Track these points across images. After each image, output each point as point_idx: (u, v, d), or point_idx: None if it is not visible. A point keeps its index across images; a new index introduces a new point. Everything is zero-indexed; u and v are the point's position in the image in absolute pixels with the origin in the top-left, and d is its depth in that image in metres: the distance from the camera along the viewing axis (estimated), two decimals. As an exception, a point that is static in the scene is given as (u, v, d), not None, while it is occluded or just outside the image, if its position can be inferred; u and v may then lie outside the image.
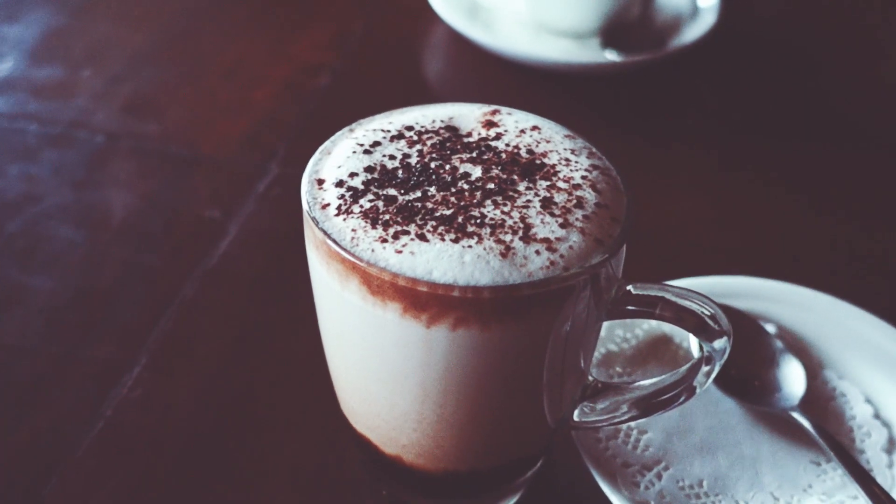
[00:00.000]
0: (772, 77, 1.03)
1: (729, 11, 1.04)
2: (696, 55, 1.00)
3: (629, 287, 0.49)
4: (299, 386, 0.63)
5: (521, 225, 0.46)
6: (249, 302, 0.71)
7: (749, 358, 0.64)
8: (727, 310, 0.66)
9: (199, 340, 0.68)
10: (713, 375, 0.50)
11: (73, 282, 0.72)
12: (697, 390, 0.50)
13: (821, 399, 0.63)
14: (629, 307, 0.49)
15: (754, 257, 0.78)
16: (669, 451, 0.59)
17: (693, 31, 1.00)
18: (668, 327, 0.66)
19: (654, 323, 0.67)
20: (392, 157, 0.50)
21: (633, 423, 0.60)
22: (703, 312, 0.48)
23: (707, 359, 0.50)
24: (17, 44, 0.98)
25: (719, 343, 0.49)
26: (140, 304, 0.70)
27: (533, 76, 0.97)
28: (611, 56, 0.96)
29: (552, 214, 0.47)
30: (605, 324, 0.65)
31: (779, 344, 0.65)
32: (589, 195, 0.48)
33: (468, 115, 0.54)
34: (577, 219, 0.47)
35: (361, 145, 0.51)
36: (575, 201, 0.48)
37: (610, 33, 1.00)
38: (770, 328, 0.66)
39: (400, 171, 0.49)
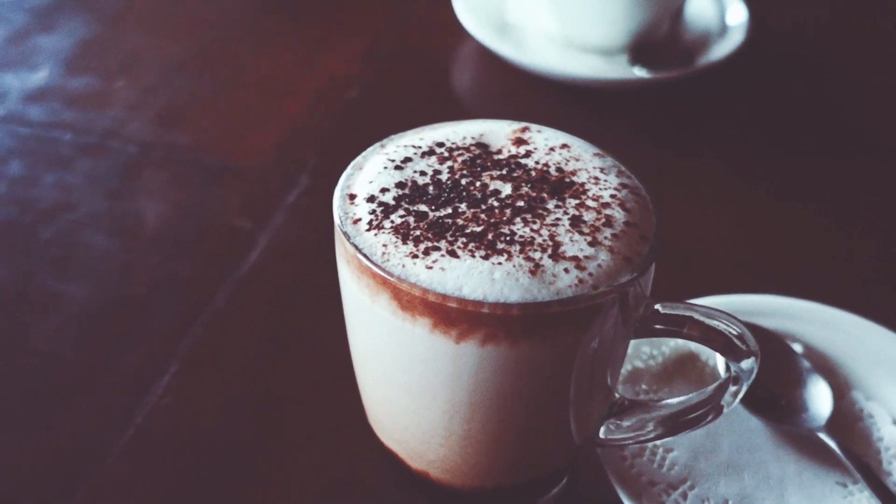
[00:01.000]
0: (801, 93, 1.02)
1: (758, 28, 1.04)
2: (724, 71, 1.00)
3: (657, 306, 0.49)
4: (328, 397, 0.64)
5: (551, 243, 0.46)
6: (278, 312, 0.72)
7: (776, 377, 0.64)
8: (754, 328, 0.66)
9: (229, 349, 0.68)
10: (740, 395, 0.50)
11: (106, 290, 0.73)
12: (724, 410, 0.51)
13: (848, 420, 0.63)
14: (657, 326, 0.49)
15: (781, 274, 0.78)
16: (695, 470, 0.59)
17: (722, 48, 1.00)
18: (694, 345, 0.66)
19: (680, 340, 0.67)
20: (423, 174, 0.51)
21: (658, 442, 0.61)
22: (730, 332, 0.48)
23: (734, 379, 0.50)
24: (52, 54, 1.00)
25: (747, 363, 0.49)
26: (171, 312, 0.71)
27: (562, 92, 0.98)
28: (639, 72, 0.96)
29: (581, 233, 0.47)
30: (632, 341, 0.66)
31: (806, 363, 0.65)
32: (618, 214, 0.49)
33: (498, 132, 0.55)
34: (605, 237, 0.47)
35: (392, 161, 0.52)
36: (604, 220, 0.48)
37: (638, 50, 1.00)
38: (797, 347, 0.66)
39: (431, 188, 0.50)
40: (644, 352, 0.66)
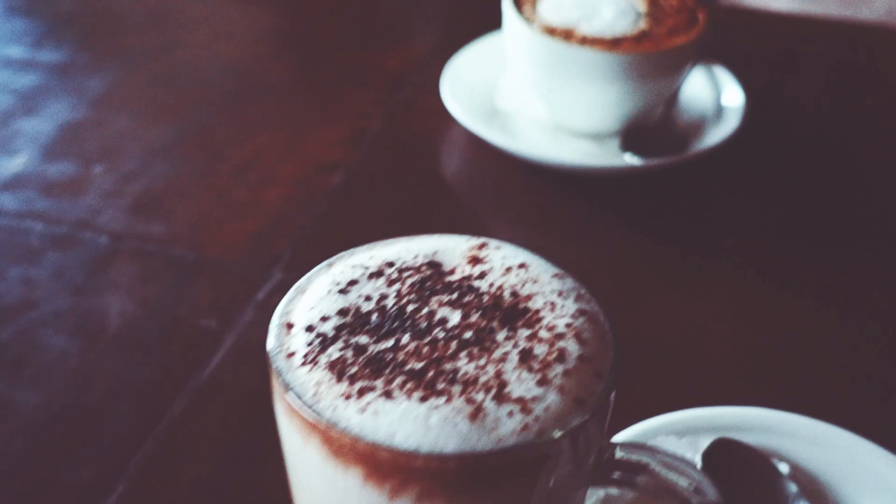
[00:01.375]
0: (799, 181, 0.99)
1: (754, 112, 1.01)
2: (719, 157, 0.97)
3: (616, 449, 0.45)
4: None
5: (496, 382, 0.43)
6: (237, 421, 0.68)
7: (756, 499, 0.60)
8: (735, 445, 0.62)
9: (182, 465, 0.65)
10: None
11: (60, 396, 0.70)
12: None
13: (838, 552, 0.59)
14: (615, 474, 0.45)
15: (770, 383, 0.74)
16: None
17: (717, 134, 0.97)
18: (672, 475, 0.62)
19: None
20: (368, 298, 0.48)
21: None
22: (687, 487, 0.44)
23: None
24: (32, 138, 0.98)
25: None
26: (125, 423, 0.68)
27: (551, 177, 0.95)
28: (630, 159, 0.93)
29: (530, 370, 0.44)
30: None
31: (792, 487, 0.60)
32: (572, 346, 0.45)
33: (454, 250, 0.52)
34: (556, 375, 0.44)
35: (338, 284, 0.49)
36: (556, 354, 0.45)
37: (630, 135, 0.97)
38: (783, 468, 0.62)
39: (374, 315, 0.47)
40: (619, 473, 0.62)
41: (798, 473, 0.62)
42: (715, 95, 1.05)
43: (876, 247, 0.90)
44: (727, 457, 0.62)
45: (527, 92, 1.01)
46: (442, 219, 0.90)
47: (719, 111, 1.02)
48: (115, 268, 0.82)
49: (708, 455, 0.62)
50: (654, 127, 1.00)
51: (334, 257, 0.51)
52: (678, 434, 0.63)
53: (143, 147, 0.99)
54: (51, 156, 0.96)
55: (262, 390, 0.68)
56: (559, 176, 0.95)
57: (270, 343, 0.46)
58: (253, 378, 0.71)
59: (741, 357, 0.77)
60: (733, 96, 1.03)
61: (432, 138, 1.03)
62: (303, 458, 0.44)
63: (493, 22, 1.04)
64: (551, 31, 0.92)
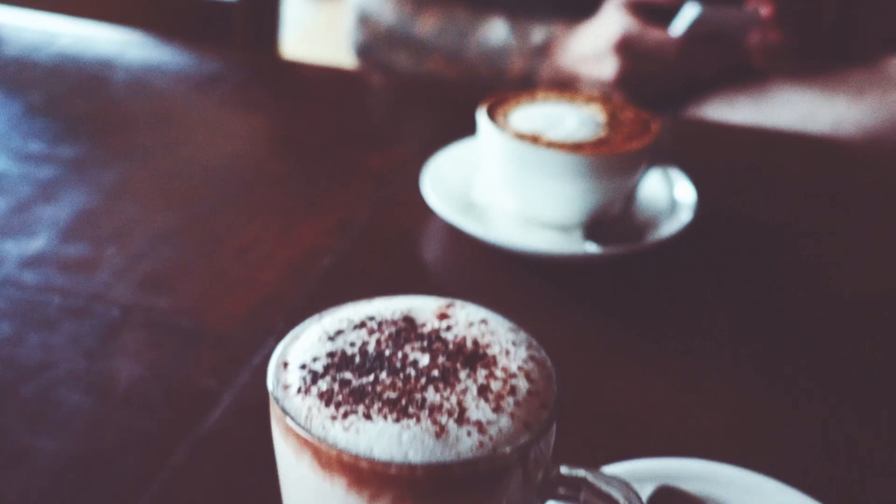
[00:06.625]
0: (744, 269, 1.10)
1: (706, 208, 1.13)
2: (673, 247, 1.07)
3: (560, 468, 0.54)
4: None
5: (457, 408, 0.52)
6: (234, 468, 0.76)
7: (693, 540, 0.68)
8: (677, 493, 0.71)
9: (184, 505, 0.73)
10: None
11: (74, 446, 0.78)
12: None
13: (763, 585, 0.66)
14: (560, 490, 0.54)
15: (709, 438, 0.83)
16: None
17: (671, 226, 1.08)
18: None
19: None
20: (352, 344, 0.57)
21: None
22: (622, 499, 0.53)
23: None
24: (50, 223, 1.08)
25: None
26: (133, 468, 0.76)
27: (520, 263, 1.05)
28: (591, 248, 1.04)
29: (486, 400, 0.53)
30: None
31: (724, 528, 0.69)
32: (522, 384, 0.55)
33: (425, 308, 0.61)
34: (508, 404, 0.53)
35: (327, 332, 0.58)
36: (509, 388, 0.54)
37: (592, 227, 1.08)
38: (718, 512, 0.70)
39: (357, 357, 0.56)
40: (571, 513, 0.70)
41: (730, 517, 0.70)
42: (669, 193, 1.16)
43: (810, 321, 1.01)
44: (669, 502, 0.70)
45: (499, 188, 1.12)
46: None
47: (673, 206, 1.13)
48: (124, 335, 0.91)
49: (651, 501, 0.71)
50: (614, 220, 1.11)
51: (324, 312, 0.61)
52: (624, 480, 0.71)
53: (151, 232, 1.09)
54: (67, 238, 1.06)
55: (257, 442, 0.77)
56: (527, 262, 1.05)
57: (270, 377, 0.55)
58: (249, 431, 0.80)
59: (684, 416, 0.86)
60: (686, 193, 1.15)
61: (413, 228, 1.14)
62: (296, 471, 0.53)
63: (469, 130, 1.17)
64: (521, 136, 1.04)
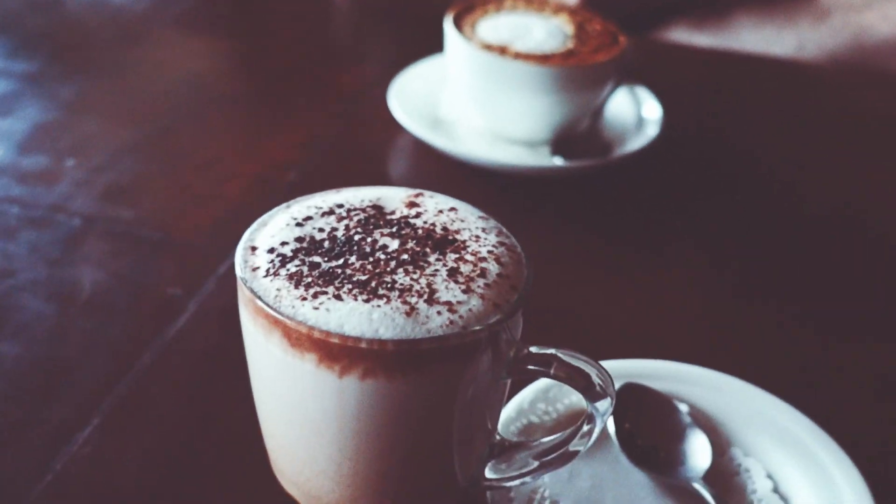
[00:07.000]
0: (707, 183, 1.10)
1: (672, 125, 1.13)
2: (639, 163, 1.07)
3: (529, 348, 0.54)
4: (242, 451, 0.68)
5: (427, 290, 0.52)
6: (201, 372, 0.76)
7: (657, 431, 0.69)
8: (642, 388, 0.72)
9: (152, 406, 0.72)
10: (595, 433, 0.55)
11: (38, 350, 0.77)
12: (583, 449, 0.56)
13: (726, 474, 0.68)
14: (529, 366, 0.54)
15: (673, 341, 0.84)
16: (579, 519, 0.64)
17: (637, 142, 1.08)
18: (585, 404, 0.71)
19: (574, 398, 0.71)
20: (321, 230, 0.57)
21: (546, 492, 0.65)
22: (590, 373, 0.54)
23: (590, 417, 0.55)
24: (7, 136, 1.06)
25: (602, 404, 0.54)
26: (98, 371, 0.75)
27: (489, 178, 1.04)
28: (558, 162, 1.04)
29: (456, 282, 0.53)
30: (528, 397, 0.71)
31: (688, 420, 0.70)
32: (492, 267, 0.54)
33: (394, 197, 0.61)
34: (479, 286, 0.53)
35: (295, 219, 0.58)
36: (479, 272, 0.54)
37: (559, 142, 1.08)
38: (682, 407, 0.71)
39: (326, 242, 0.55)
40: (539, 408, 0.71)
41: (695, 412, 0.72)
42: (636, 111, 1.16)
43: (771, 232, 1.02)
44: (635, 397, 0.71)
45: (467, 103, 1.11)
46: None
47: (640, 124, 1.13)
48: (87, 245, 0.90)
49: (618, 396, 0.72)
50: (582, 137, 1.10)
51: (291, 201, 0.60)
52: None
53: (112, 146, 1.07)
54: (25, 150, 1.04)
55: (224, 347, 0.77)
56: (495, 177, 1.05)
57: (237, 260, 0.54)
58: (215, 337, 0.79)
59: (650, 321, 0.87)
60: (653, 112, 1.15)
61: (381, 145, 1.13)
62: (266, 355, 0.52)
63: (437, 47, 1.15)
64: (488, 48, 1.03)
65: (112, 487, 0.65)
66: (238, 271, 0.54)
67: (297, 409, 0.53)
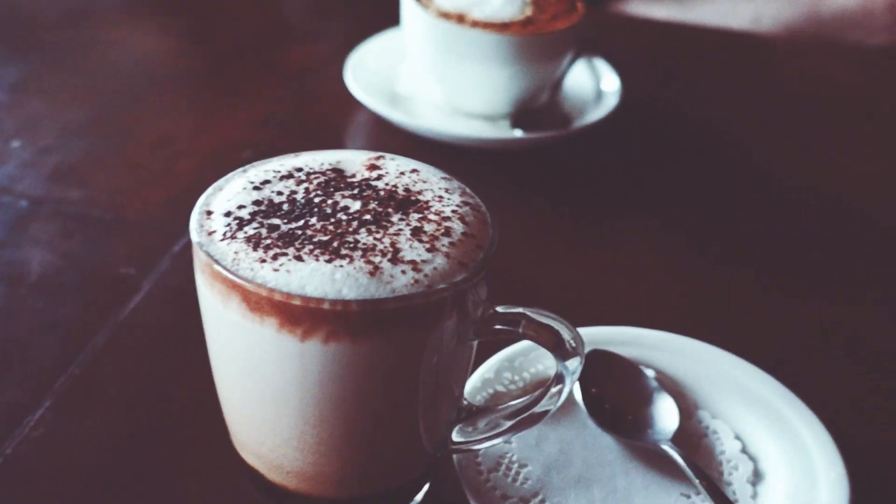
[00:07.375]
0: (665, 154, 1.10)
1: (630, 97, 1.12)
2: (598, 134, 1.07)
3: (496, 308, 0.53)
4: (200, 426, 0.66)
5: (391, 249, 0.50)
6: (157, 351, 0.74)
7: (625, 395, 0.68)
8: (608, 354, 0.71)
9: (106, 385, 0.70)
10: (565, 393, 0.54)
11: (-15, 331, 0.74)
12: (552, 408, 0.55)
13: (694, 436, 0.67)
14: (496, 326, 0.53)
15: (638, 309, 0.83)
16: (547, 484, 0.63)
17: (596, 114, 1.08)
18: (551, 372, 0.70)
19: (540, 367, 0.70)
20: (280, 193, 0.55)
21: (514, 457, 0.64)
22: (560, 332, 0.53)
23: (559, 377, 0.54)
24: (-51, 117, 1.02)
25: (572, 363, 0.53)
26: (50, 352, 0.72)
27: (448, 152, 1.03)
28: (517, 134, 1.03)
29: (420, 241, 0.51)
30: (494, 367, 0.70)
31: (654, 384, 0.69)
32: (457, 226, 0.53)
33: (354, 160, 0.59)
34: (443, 245, 0.51)
35: (252, 183, 0.56)
36: (443, 230, 0.52)
37: (519, 115, 1.07)
38: (649, 372, 0.71)
39: (285, 205, 0.54)
40: (506, 377, 0.70)
41: (661, 376, 0.71)
42: (595, 84, 1.15)
43: (730, 201, 1.02)
44: (602, 363, 0.70)
45: (425, 77, 1.09)
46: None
47: (599, 96, 1.13)
48: (35, 226, 0.87)
49: (586, 362, 0.71)
50: (541, 109, 1.09)
51: (248, 165, 0.58)
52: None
53: (59, 127, 1.04)
54: (-32, 132, 1.00)
55: (180, 325, 0.74)
56: (455, 150, 1.03)
57: (192, 224, 0.52)
58: (171, 315, 0.77)
59: (612, 289, 0.86)
60: (611, 83, 1.14)
61: (338, 121, 1.11)
62: (224, 322, 0.51)
63: (392, 21, 1.13)
64: (445, 16, 1.01)
65: (66, 470, 0.63)
66: (193, 236, 0.52)
67: (258, 377, 0.52)
